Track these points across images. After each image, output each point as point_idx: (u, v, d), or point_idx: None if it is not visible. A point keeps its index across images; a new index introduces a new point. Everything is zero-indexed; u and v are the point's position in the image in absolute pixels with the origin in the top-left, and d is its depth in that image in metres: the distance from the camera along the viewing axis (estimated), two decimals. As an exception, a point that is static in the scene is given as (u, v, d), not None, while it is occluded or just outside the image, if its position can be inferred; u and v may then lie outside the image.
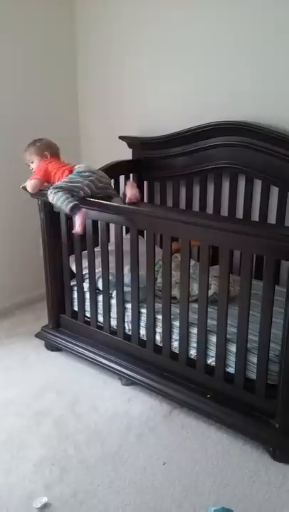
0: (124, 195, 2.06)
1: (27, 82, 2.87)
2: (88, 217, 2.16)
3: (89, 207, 2.13)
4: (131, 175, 2.85)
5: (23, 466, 1.82)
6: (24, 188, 2.33)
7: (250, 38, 2.36)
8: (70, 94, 3.15)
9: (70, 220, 2.24)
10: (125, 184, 2.14)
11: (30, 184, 2.29)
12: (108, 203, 2.10)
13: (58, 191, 2.10)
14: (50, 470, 1.80)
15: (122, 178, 2.73)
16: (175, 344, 2.12)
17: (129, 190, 2.05)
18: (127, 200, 2.03)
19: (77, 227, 2.08)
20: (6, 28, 2.70)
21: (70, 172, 2.22)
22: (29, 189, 2.30)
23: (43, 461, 1.84)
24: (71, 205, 2.06)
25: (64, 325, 2.58)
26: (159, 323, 2.14)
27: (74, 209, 2.06)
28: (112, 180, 2.44)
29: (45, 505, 1.64)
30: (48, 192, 2.14)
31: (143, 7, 2.72)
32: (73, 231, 2.12)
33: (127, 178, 2.81)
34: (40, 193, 2.28)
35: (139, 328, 2.23)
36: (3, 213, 2.90)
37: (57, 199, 2.09)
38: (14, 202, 2.83)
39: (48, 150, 2.38)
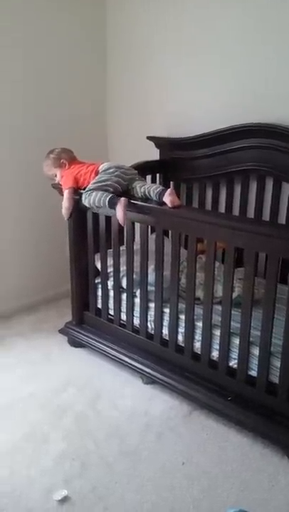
0: (164, 203, 2.03)
1: (57, 81, 2.91)
2: (115, 216, 2.17)
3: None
4: (158, 175, 2.86)
5: (45, 460, 1.85)
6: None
7: (279, 39, 2.34)
8: (99, 94, 3.17)
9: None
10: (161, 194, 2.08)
11: (64, 200, 2.30)
12: (135, 202, 2.12)
13: (91, 193, 2.14)
14: (70, 464, 1.83)
15: (148, 178, 2.74)
16: (197, 345, 2.12)
17: (166, 197, 2.01)
18: (169, 206, 2.01)
19: (120, 217, 2.05)
20: (37, 25, 2.74)
21: (96, 173, 2.24)
22: (65, 202, 2.30)
23: (64, 455, 1.87)
24: (109, 197, 2.08)
25: (87, 322, 2.61)
26: (182, 324, 2.14)
27: (112, 200, 2.07)
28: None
29: (65, 498, 1.66)
30: (82, 198, 2.19)
31: (172, 5, 2.72)
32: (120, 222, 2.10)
33: (153, 178, 2.82)
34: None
35: (161, 328, 2.24)
36: (30, 211, 2.95)
37: (93, 199, 2.13)
38: (42, 199, 2.88)
39: (64, 156, 2.36)
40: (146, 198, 2.14)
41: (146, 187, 2.14)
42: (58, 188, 2.38)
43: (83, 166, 2.31)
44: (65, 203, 2.31)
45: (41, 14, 2.74)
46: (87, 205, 2.20)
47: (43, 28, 2.77)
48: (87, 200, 2.17)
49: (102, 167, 2.25)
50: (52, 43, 2.83)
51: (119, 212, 2.05)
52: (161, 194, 2.04)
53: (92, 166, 2.28)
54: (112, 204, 2.08)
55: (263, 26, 2.39)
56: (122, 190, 2.19)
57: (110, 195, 2.11)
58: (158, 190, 2.08)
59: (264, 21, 2.38)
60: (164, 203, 2.03)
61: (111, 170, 2.20)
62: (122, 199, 2.06)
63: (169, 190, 2.03)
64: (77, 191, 2.28)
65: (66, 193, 2.30)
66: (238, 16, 2.46)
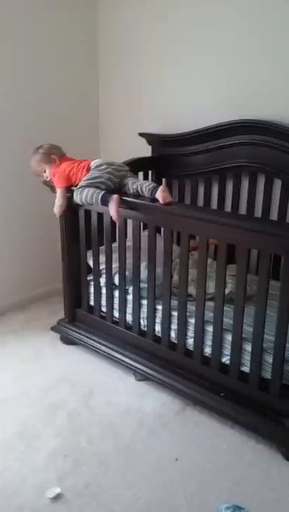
0: (156, 199, 2.02)
1: (48, 78, 2.89)
2: (107, 213, 2.16)
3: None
4: (150, 172, 2.85)
5: (37, 457, 1.84)
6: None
7: (273, 36, 2.34)
8: (91, 91, 3.16)
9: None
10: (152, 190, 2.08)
11: (57, 199, 2.29)
12: (127, 198, 2.11)
13: (82, 190, 2.13)
14: (63, 461, 1.82)
15: (140, 174, 2.74)
16: (190, 341, 2.12)
17: (159, 193, 2.01)
18: (161, 203, 2.00)
19: (114, 214, 2.05)
20: (28, 20, 2.72)
21: (88, 170, 2.23)
22: (59, 200, 2.29)
23: (57, 452, 1.87)
24: (101, 194, 2.08)
25: (80, 319, 2.60)
26: (175, 320, 2.14)
27: (105, 197, 2.07)
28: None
29: (58, 496, 1.66)
30: (74, 195, 2.19)
31: (166, 4, 2.71)
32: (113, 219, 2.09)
33: (145, 175, 2.82)
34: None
35: (154, 325, 2.24)
36: (21, 209, 2.93)
37: (85, 197, 2.13)
38: (33, 196, 2.86)
39: (55, 152, 2.35)
40: (138, 195, 2.13)
41: (139, 184, 2.14)
42: (50, 185, 2.36)
43: (74, 164, 2.29)
44: (59, 201, 2.30)
45: (33, 9, 2.72)
46: (79, 202, 2.20)
47: (34, 23, 2.74)
48: (79, 197, 2.16)
49: (93, 163, 2.24)
50: (43, 38, 2.81)
51: (113, 210, 2.04)
52: (153, 191, 2.04)
53: (84, 163, 2.27)
54: (105, 201, 2.07)
55: (256, 26, 2.39)
56: (113, 187, 2.18)
57: (102, 192, 2.10)
58: (150, 186, 2.08)
59: (257, 21, 2.38)
60: (156, 200, 2.03)
61: (103, 167, 2.20)
62: (115, 196, 2.05)
63: (162, 187, 2.03)
64: (69, 189, 2.27)
65: (59, 191, 2.29)
66: (231, 15, 2.46)
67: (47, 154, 2.34)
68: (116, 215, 2.05)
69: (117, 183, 2.20)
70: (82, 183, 2.18)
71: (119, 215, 2.07)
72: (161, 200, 2.00)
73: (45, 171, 2.36)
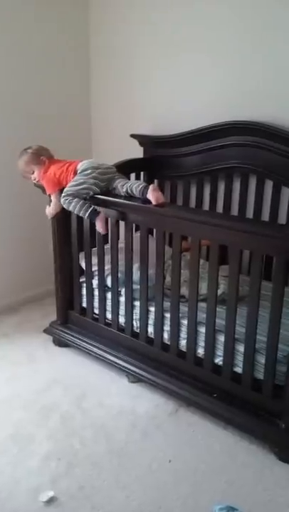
0: (149, 200, 2.02)
1: (39, 80, 2.88)
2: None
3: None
4: (142, 173, 2.85)
5: (30, 460, 1.83)
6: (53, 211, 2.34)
7: (263, 38, 2.35)
8: (83, 93, 3.15)
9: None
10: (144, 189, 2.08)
11: (52, 204, 2.30)
12: (118, 200, 2.11)
13: (71, 200, 2.16)
14: (56, 464, 1.81)
15: (132, 176, 2.74)
16: (183, 343, 2.12)
17: (150, 193, 2.01)
18: (154, 203, 2.01)
19: (100, 230, 2.16)
20: (17, 21, 2.71)
21: (75, 173, 2.22)
22: (54, 205, 2.29)
23: (50, 455, 1.86)
24: (88, 212, 2.14)
25: (72, 321, 2.59)
26: (167, 322, 2.15)
27: (92, 215, 2.14)
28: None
29: (52, 499, 1.65)
30: (62, 201, 2.21)
31: (157, 3, 2.71)
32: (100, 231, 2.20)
33: (137, 176, 2.82)
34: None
35: (147, 326, 2.24)
36: (11, 210, 2.92)
37: (73, 208, 2.17)
38: (23, 197, 2.84)
39: (44, 153, 2.33)
40: (130, 196, 2.13)
41: (129, 185, 2.14)
42: (42, 187, 2.35)
43: (63, 167, 2.27)
44: (55, 204, 2.29)
45: (23, 11, 2.71)
46: (66, 209, 2.22)
47: (25, 25, 2.74)
48: (66, 206, 2.20)
49: (80, 166, 2.22)
50: (34, 40, 2.80)
51: (99, 227, 2.15)
52: (144, 191, 2.04)
53: (72, 166, 2.25)
54: (92, 219, 2.15)
55: (247, 25, 2.40)
56: (100, 191, 2.18)
57: (90, 208, 2.14)
58: (140, 187, 2.08)
59: (249, 20, 2.39)
60: (148, 200, 2.02)
61: (88, 171, 2.19)
62: (101, 215, 2.13)
63: (152, 186, 2.03)
64: (62, 191, 2.26)
65: (53, 196, 2.29)
66: (223, 14, 2.47)
67: (36, 155, 2.32)
68: (103, 231, 2.16)
69: (104, 187, 2.20)
70: (68, 190, 2.18)
71: (106, 230, 2.17)
72: (154, 201, 2.00)
73: (33, 172, 2.33)
